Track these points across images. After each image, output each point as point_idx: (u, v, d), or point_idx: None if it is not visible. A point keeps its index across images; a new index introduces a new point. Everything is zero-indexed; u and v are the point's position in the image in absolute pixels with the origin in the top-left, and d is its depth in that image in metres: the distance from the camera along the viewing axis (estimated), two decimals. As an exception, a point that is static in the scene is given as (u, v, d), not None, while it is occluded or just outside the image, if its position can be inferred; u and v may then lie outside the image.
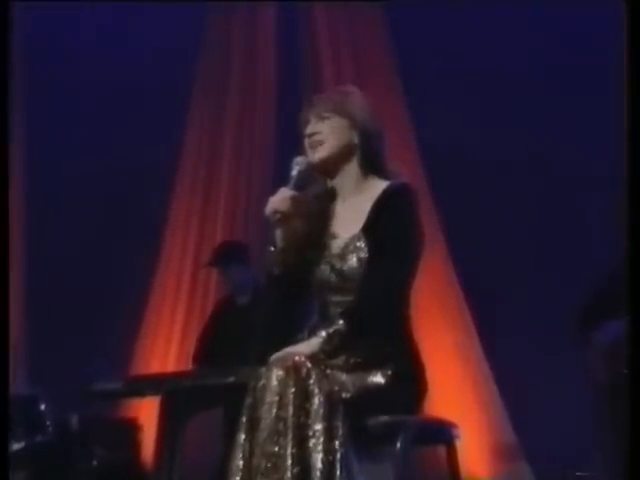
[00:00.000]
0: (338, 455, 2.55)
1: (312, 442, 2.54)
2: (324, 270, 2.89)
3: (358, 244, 2.86)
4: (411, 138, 5.94)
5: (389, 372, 2.75)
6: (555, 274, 5.58)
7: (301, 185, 2.93)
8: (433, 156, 5.87)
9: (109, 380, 4.11)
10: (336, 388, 2.63)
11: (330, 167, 2.94)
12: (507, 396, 5.62)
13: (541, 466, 5.32)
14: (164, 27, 6.35)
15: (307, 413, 2.57)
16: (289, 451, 2.53)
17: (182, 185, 6.37)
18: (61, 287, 6.16)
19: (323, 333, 2.75)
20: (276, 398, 2.58)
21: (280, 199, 2.88)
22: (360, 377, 2.72)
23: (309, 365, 2.62)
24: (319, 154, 2.91)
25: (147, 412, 5.20)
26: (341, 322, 2.75)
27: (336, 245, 2.90)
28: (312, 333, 2.82)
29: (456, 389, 5.56)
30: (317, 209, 2.96)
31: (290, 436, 2.54)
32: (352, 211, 2.92)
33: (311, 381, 2.59)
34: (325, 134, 2.91)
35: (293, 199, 2.88)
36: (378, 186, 2.91)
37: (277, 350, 2.73)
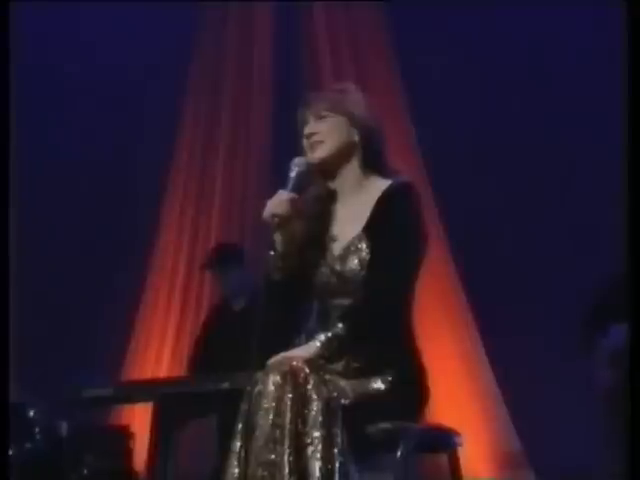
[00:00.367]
0: (337, 463, 2.50)
1: (310, 450, 2.49)
2: (324, 273, 2.84)
3: (359, 245, 2.80)
4: (411, 138, 5.93)
5: (390, 378, 2.70)
6: (559, 278, 5.58)
7: (300, 187, 2.87)
8: (434, 156, 5.88)
9: (100, 386, 4.06)
10: (335, 394, 2.58)
11: (330, 167, 2.88)
12: (511, 402, 5.61)
13: (545, 474, 5.30)
14: (162, 27, 6.36)
15: (305, 420, 2.52)
16: (286, 459, 2.47)
17: (176, 186, 6.35)
18: (49, 292, 6.11)
19: (322, 337, 2.69)
20: (273, 404, 2.53)
21: (278, 202, 2.81)
22: (360, 383, 2.68)
23: (307, 370, 2.56)
24: (319, 154, 2.85)
25: (139, 419, 5.19)
26: (340, 326, 2.70)
27: (336, 247, 2.85)
28: (310, 337, 2.76)
29: (458, 395, 5.56)
30: (317, 211, 2.91)
31: (287, 444, 2.49)
32: (353, 211, 2.87)
33: (309, 387, 2.54)
34: (324, 133, 2.85)
35: (292, 202, 2.81)
36: (379, 185, 2.85)
37: (274, 355, 2.67)
